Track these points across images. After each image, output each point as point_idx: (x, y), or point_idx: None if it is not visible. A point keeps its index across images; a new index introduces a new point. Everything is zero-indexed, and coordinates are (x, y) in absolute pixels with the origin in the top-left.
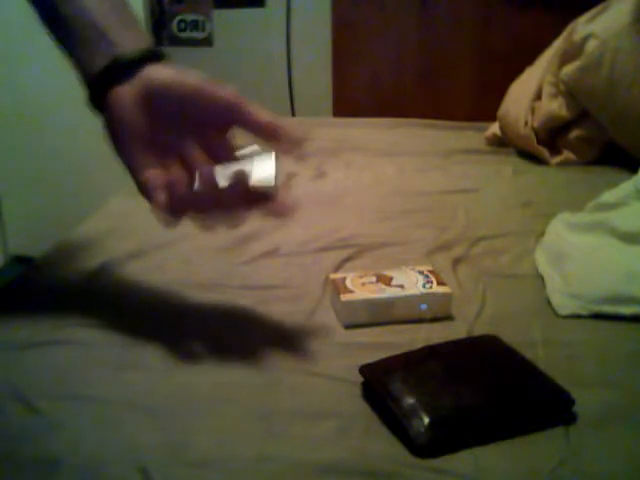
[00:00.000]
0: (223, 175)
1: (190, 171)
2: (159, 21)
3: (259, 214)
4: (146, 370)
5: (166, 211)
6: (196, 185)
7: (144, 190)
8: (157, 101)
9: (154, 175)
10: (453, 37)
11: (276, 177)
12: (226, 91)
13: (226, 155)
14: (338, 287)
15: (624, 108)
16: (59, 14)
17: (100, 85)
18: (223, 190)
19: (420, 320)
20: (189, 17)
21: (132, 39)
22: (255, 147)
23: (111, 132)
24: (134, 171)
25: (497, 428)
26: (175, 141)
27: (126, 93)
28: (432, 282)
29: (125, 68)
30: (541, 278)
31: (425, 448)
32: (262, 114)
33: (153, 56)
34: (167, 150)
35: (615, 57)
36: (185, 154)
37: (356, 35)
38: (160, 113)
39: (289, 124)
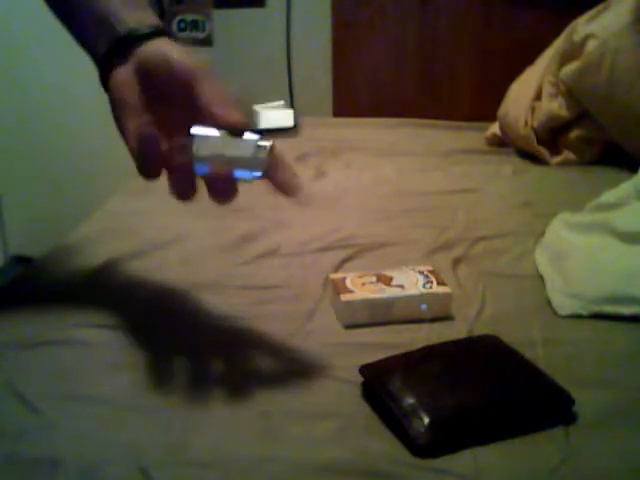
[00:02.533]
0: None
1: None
2: None
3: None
4: (145, 370)
5: (140, 161)
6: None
7: (130, 154)
8: (149, 77)
9: (137, 124)
10: (453, 37)
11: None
12: (189, 63)
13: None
14: (338, 287)
15: (624, 108)
16: (67, 3)
17: (105, 66)
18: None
19: (420, 320)
20: (189, 17)
21: (134, 19)
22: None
23: (113, 109)
24: (126, 140)
25: (497, 428)
26: (169, 116)
27: (123, 73)
28: (432, 282)
29: (123, 49)
30: (541, 278)
31: (425, 448)
32: (214, 96)
33: (153, 34)
34: (165, 126)
35: (615, 57)
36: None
37: (356, 35)
38: (153, 88)
39: (235, 112)
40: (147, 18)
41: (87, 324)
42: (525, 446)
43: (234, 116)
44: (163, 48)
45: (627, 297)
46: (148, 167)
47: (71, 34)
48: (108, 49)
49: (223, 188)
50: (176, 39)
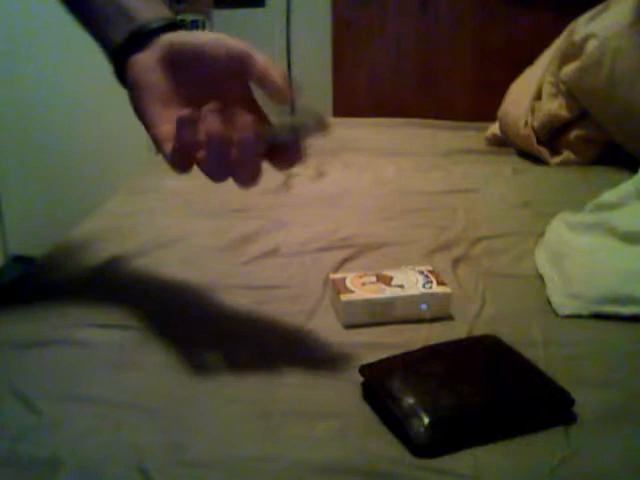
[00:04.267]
0: None
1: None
2: None
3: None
4: (146, 370)
5: (173, 161)
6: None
7: (156, 144)
8: (176, 60)
9: (167, 129)
10: (453, 37)
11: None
12: (238, 42)
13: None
14: (338, 287)
15: (624, 108)
16: None
17: (121, 57)
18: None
19: (420, 320)
20: (189, 17)
21: (151, 11)
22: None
23: (133, 97)
24: (152, 128)
25: (497, 428)
26: (198, 99)
27: (145, 57)
28: (432, 282)
29: (144, 38)
30: (541, 278)
31: (425, 448)
32: (268, 67)
33: (172, 26)
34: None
35: (615, 57)
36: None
37: (356, 35)
38: (180, 71)
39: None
40: (162, 11)
41: (87, 324)
42: (525, 446)
43: (285, 85)
44: (197, 34)
45: (627, 297)
46: (183, 155)
47: (81, 25)
48: (127, 39)
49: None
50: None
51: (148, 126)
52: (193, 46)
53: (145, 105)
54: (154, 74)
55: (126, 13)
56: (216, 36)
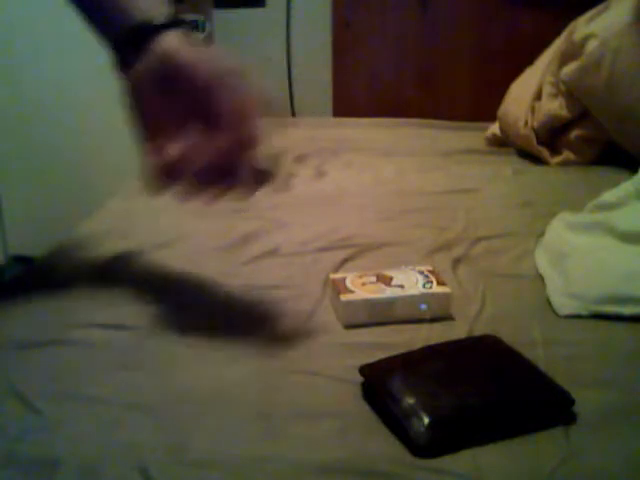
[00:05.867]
0: None
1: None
2: None
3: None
4: (146, 370)
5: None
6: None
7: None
8: (168, 77)
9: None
10: (453, 37)
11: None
12: (204, 71)
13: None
14: (338, 287)
15: (624, 108)
16: None
17: (121, 57)
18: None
19: (420, 320)
20: (189, 17)
21: (148, 6)
22: None
23: (131, 104)
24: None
25: (497, 428)
26: (185, 115)
27: (142, 75)
28: (432, 282)
29: (139, 40)
30: (541, 278)
31: (425, 448)
32: (228, 110)
33: (168, 25)
34: (181, 121)
35: (615, 57)
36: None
37: (356, 35)
38: (171, 87)
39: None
40: (161, 7)
41: (87, 324)
42: (525, 446)
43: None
44: (176, 52)
45: (627, 297)
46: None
47: (82, 16)
48: (124, 37)
49: None
50: (189, 31)
51: (142, 140)
52: (176, 66)
53: (141, 121)
54: (150, 92)
55: (123, 7)
56: (198, 58)
